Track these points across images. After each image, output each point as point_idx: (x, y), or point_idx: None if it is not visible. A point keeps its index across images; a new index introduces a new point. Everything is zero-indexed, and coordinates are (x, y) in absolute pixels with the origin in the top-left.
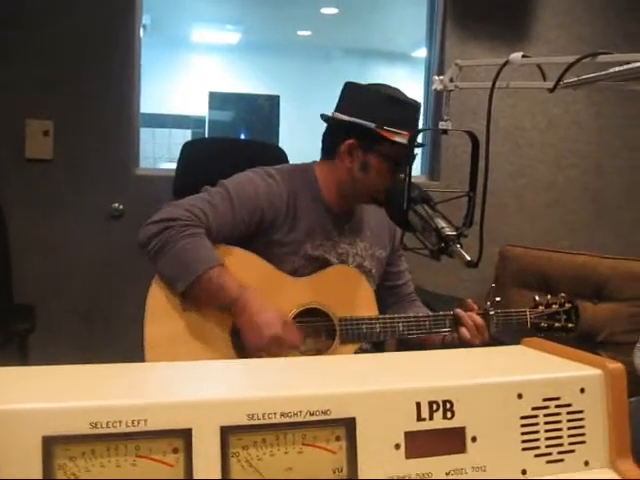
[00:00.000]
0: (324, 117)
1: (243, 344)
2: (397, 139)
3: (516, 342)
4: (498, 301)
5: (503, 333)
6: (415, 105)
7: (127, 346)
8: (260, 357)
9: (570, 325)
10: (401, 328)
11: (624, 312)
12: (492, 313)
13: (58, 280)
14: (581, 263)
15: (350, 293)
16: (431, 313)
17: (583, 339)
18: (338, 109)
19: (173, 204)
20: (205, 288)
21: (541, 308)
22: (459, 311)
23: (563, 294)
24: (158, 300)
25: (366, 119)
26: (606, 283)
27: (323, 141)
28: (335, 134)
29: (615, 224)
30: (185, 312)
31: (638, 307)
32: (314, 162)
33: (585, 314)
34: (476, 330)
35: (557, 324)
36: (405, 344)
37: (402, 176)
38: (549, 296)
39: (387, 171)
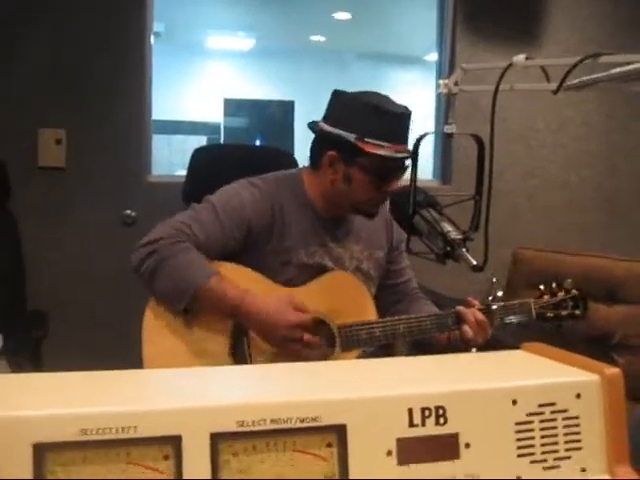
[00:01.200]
0: (311, 125)
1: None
2: (380, 152)
3: (524, 341)
4: (500, 296)
5: (508, 333)
6: (403, 115)
7: (139, 353)
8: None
9: (577, 312)
10: (402, 329)
11: (638, 315)
12: (495, 307)
13: (71, 287)
14: (595, 265)
15: (347, 299)
16: (433, 311)
17: (597, 342)
18: (324, 118)
19: (160, 224)
20: (206, 299)
21: (546, 297)
22: (460, 308)
23: (570, 280)
24: (153, 323)
25: (347, 130)
26: (620, 286)
27: (310, 150)
28: (319, 145)
29: (629, 224)
30: (181, 332)
31: None
32: (301, 168)
33: (599, 316)
34: (477, 326)
35: (564, 312)
36: (412, 344)
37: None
38: (554, 284)
39: (370, 184)
